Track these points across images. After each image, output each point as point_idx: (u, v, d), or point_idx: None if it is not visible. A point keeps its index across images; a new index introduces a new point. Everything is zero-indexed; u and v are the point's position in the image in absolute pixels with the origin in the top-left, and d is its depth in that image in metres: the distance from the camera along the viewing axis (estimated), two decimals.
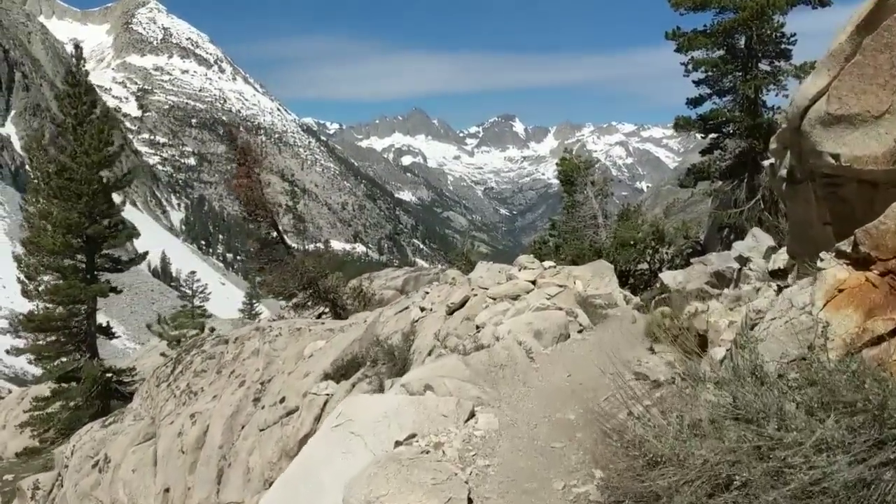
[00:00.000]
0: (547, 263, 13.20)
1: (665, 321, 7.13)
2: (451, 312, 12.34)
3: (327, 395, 13.67)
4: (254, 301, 56.27)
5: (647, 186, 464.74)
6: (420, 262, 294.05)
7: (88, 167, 27.40)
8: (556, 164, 24.50)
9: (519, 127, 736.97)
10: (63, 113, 28.74)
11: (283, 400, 15.12)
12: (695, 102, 20.35)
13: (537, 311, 10.13)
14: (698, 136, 21.51)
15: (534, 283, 12.02)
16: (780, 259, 7.33)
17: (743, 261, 10.24)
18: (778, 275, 7.12)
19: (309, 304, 28.91)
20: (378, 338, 14.06)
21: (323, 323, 20.63)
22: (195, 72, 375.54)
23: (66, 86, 29.09)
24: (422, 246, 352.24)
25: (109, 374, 29.47)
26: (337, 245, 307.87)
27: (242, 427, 15.63)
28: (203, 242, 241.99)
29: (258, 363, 17.39)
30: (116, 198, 30.45)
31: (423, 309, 13.95)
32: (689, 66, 19.55)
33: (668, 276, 15.92)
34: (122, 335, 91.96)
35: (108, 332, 31.77)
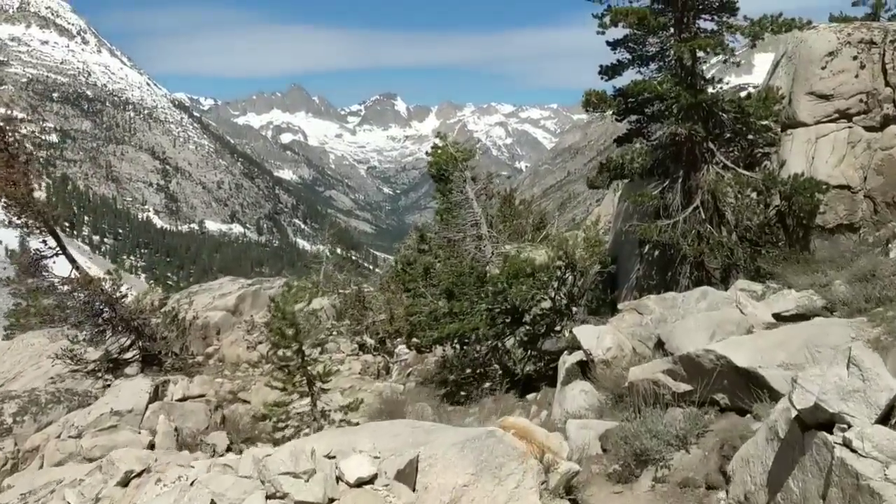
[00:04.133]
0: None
1: None
2: None
3: None
4: None
5: (526, 166, 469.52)
6: (302, 242, 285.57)
7: None
8: (427, 153, 18.50)
9: (401, 106, 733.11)
10: None
11: None
12: (611, 71, 14.89)
13: None
14: (612, 118, 15.88)
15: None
16: None
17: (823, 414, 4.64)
18: None
19: (107, 335, 21.73)
20: None
21: None
22: (56, 43, 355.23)
23: None
24: (303, 226, 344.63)
25: None
26: (213, 226, 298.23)
27: None
28: (67, 224, 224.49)
29: None
30: None
31: None
32: (605, 20, 13.89)
33: (589, 336, 10.20)
34: None
35: None
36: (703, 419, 7.56)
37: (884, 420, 4.47)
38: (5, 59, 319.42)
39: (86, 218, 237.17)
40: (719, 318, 10.32)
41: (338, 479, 4.89)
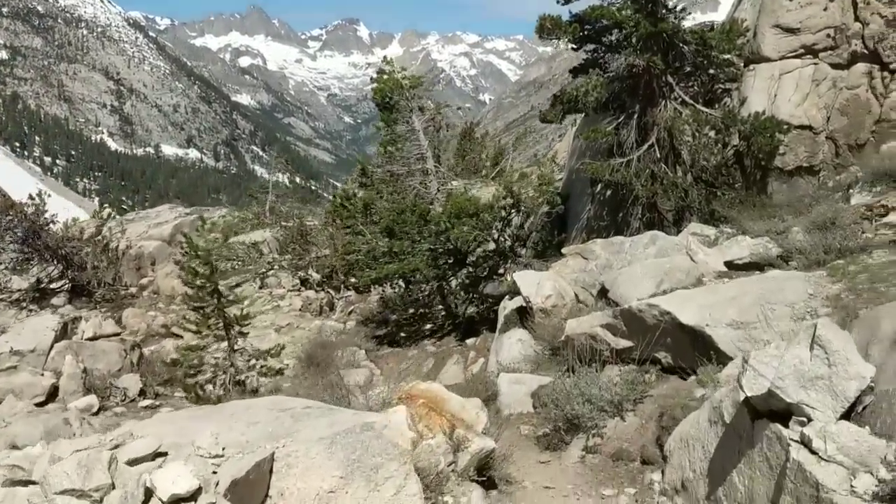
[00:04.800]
0: None
1: None
2: None
3: None
4: None
5: (490, 99, 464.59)
6: (259, 169, 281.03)
7: None
8: (371, 78, 17.32)
9: (363, 32, 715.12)
10: None
11: None
12: None
13: None
14: (567, 46, 14.79)
15: None
16: None
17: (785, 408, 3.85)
18: None
19: (33, 263, 20.65)
20: None
21: None
22: None
23: None
24: (261, 153, 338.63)
25: None
26: (169, 150, 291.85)
27: None
28: (17, 144, 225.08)
29: None
30: None
31: None
32: None
33: (528, 282, 9.42)
34: None
35: None
36: (642, 382, 6.87)
37: (847, 414, 3.71)
38: None
39: (37, 138, 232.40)
40: (668, 266, 9.62)
41: (149, 494, 3.93)
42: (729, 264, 10.11)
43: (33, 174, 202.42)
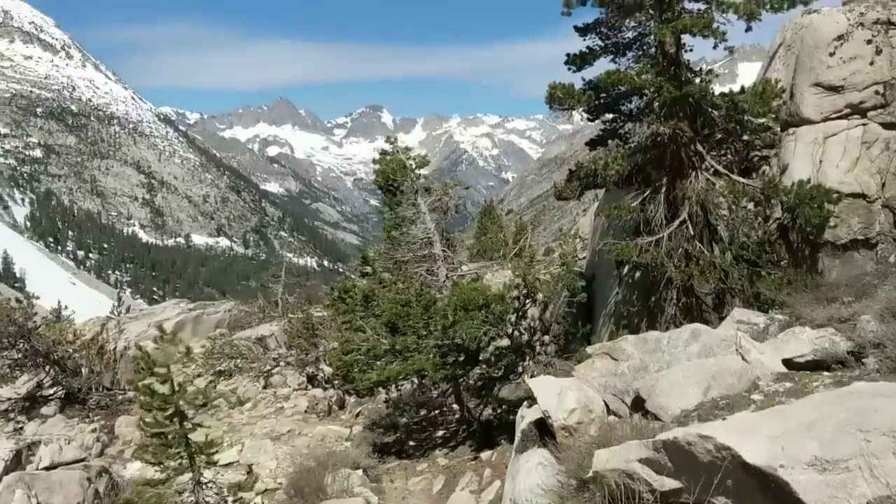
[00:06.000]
0: None
1: None
2: None
3: None
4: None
5: (513, 177, 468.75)
6: (289, 255, 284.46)
7: None
8: (373, 160, 16.15)
9: (387, 118, 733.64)
10: None
11: None
12: (579, 61, 12.41)
13: None
14: (582, 117, 13.42)
15: None
16: None
17: None
18: None
19: (19, 369, 19.46)
20: None
21: None
22: (40, 58, 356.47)
23: None
24: (290, 238, 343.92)
25: None
26: (199, 239, 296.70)
27: None
28: (51, 240, 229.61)
29: None
30: None
31: None
32: None
33: (547, 392, 7.81)
34: None
35: None
36: None
37: None
38: None
39: (70, 233, 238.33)
40: (715, 369, 7.92)
41: None
42: (788, 363, 8.40)
43: (66, 268, 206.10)
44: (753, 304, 11.99)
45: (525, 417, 9.35)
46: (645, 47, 12.66)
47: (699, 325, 9.20)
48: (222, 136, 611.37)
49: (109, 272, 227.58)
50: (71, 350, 19.75)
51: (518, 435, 9.22)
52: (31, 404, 19.70)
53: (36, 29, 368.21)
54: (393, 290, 13.47)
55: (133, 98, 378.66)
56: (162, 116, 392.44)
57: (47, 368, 19.80)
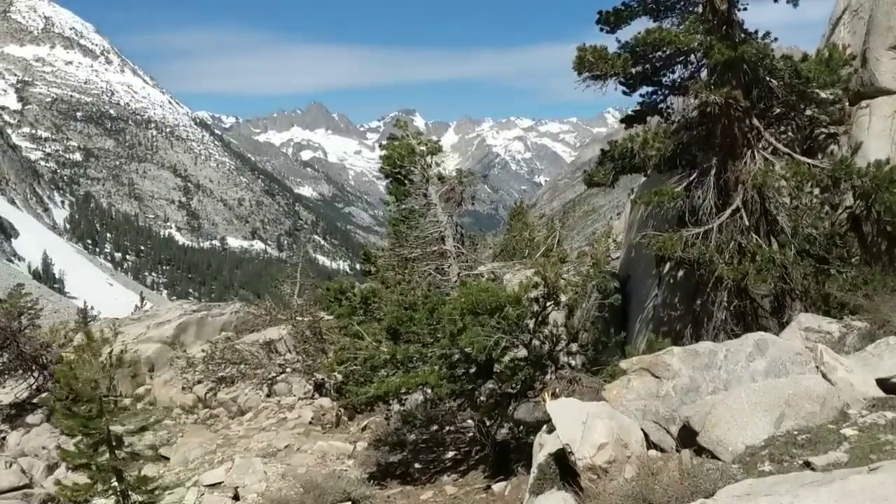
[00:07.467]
0: None
1: None
2: None
3: None
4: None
5: (545, 181, 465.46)
6: (321, 258, 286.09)
7: None
8: (380, 145, 14.47)
9: (420, 122, 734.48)
10: None
11: None
12: (613, 18, 10.47)
13: None
14: (616, 88, 11.45)
15: None
16: None
17: None
18: None
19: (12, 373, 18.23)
20: None
21: None
22: (80, 63, 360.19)
23: None
24: (322, 242, 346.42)
25: None
26: (234, 242, 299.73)
27: None
28: (89, 241, 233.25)
29: None
30: None
31: None
32: None
33: (570, 422, 6.07)
34: None
35: None
36: None
37: None
38: (30, 80, 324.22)
39: (108, 235, 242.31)
40: (790, 391, 6.04)
41: None
42: (883, 384, 6.50)
43: (104, 270, 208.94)
44: (821, 308, 10.05)
45: (544, 447, 7.52)
46: (691, 7, 10.77)
47: (765, 335, 7.27)
48: (257, 140, 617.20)
49: (146, 274, 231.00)
50: (62, 354, 18.34)
51: (534, 471, 7.40)
52: (17, 412, 18.38)
53: (76, 34, 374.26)
54: (397, 292, 11.73)
55: (170, 102, 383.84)
56: (198, 120, 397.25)
57: (35, 373, 18.43)
